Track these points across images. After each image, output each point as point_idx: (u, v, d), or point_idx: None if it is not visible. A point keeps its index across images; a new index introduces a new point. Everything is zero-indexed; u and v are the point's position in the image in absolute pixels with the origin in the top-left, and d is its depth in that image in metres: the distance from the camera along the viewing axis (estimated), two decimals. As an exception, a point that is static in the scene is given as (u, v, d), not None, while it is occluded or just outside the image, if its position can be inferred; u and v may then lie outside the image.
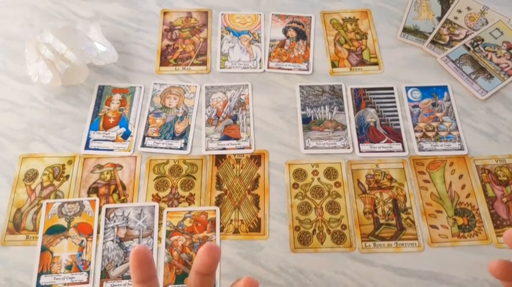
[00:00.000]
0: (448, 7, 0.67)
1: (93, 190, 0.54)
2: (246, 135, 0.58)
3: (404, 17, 0.67)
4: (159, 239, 0.51)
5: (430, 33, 0.65)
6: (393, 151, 0.57)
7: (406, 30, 0.66)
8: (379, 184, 0.54)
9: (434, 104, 0.60)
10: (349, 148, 0.57)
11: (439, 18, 0.66)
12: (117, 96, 0.61)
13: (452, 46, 0.64)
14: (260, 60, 0.64)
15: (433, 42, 0.64)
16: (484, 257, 0.50)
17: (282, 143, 0.57)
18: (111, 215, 0.52)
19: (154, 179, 0.55)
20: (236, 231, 0.52)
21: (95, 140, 0.58)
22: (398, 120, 0.59)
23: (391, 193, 0.54)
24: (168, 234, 0.52)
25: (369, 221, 0.52)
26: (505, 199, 0.53)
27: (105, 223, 0.52)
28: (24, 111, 0.60)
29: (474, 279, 0.49)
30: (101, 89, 0.62)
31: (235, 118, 0.59)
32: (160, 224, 0.52)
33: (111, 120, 0.59)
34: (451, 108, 0.59)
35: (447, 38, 0.65)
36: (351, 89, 0.61)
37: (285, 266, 0.50)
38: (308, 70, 0.63)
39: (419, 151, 0.56)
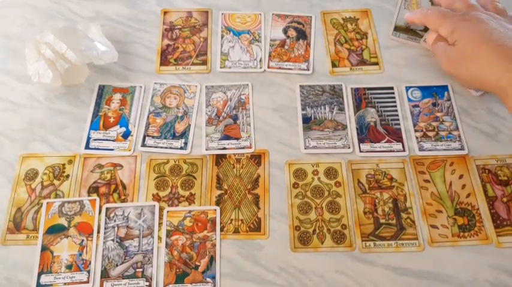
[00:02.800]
0: (438, 4, 0.67)
1: (94, 189, 0.54)
2: (246, 135, 0.58)
3: (395, 15, 0.67)
4: (159, 238, 0.51)
5: (421, 31, 0.65)
6: (393, 151, 0.57)
7: (397, 28, 0.66)
8: (380, 183, 0.54)
9: (434, 104, 0.60)
10: (349, 148, 0.57)
11: None
12: (117, 96, 0.61)
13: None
14: (260, 60, 0.64)
15: None
16: (484, 257, 0.50)
17: (282, 143, 0.57)
18: (112, 215, 0.53)
19: (155, 179, 0.55)
20: (236, 231, 0.52)
21: (95, 139, 0.58)
22: (398, 120, 0.59)
23: (391, 192, 0.54)
24: (168, 234, 0.52)
25: (369, 221, 0.52)
26: (505, 199, 0.53)
27: (106, 223, 0.52)
28: (24, 111, 0.60)
29: (474, 279, 0.49)
30: (101, 88, 0.62)
31: (235, 118, 0.59)
32: (160, 224, 0.52)
33: (112, 119, 0.59)
34: (451, 108, 0.59)
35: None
36: (351, 88, 0.61)
37: (285, 266, 0.50)
38: (308, 70, 0.63)
39: (419, 150, 0.56)
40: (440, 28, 0.56)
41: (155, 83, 0.62)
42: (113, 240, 0.51)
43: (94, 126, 0.59)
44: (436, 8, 0.58)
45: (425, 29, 0.65)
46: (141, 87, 0.62)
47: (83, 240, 0.51)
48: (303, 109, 0.60)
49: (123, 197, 0.54)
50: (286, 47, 0.65)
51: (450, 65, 0.55)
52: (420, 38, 0.64)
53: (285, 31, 0.67)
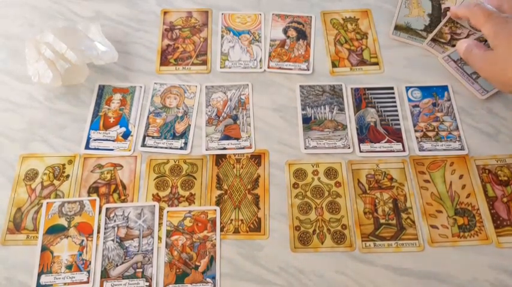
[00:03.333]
0: (437, 3, 0.67)
1: (94, 189, 0.54)
2: (246, 135, 0.58)
3: (395, 14, 0.67)
4: (159, 238, 0.51)
5: (421, 30, 0.65)
6: (393, 151, 0.57)
7: (397, 27, 0.66)
8: (380, 183, 0.54)
9: (434, 104, 0.60)
10: (349, 148, 0.57)
11: (430, 15, 0.66)
12: (117, 96, 0.61)
13: (453, 45, 0.63)
14: (260, 60, 0.64)
15: (433, 40, 0.64)
16: (484, 257, 0.50)
17: (282, 143, 0.57)
18: (112, 215, 0.53)
19: (155, 179, 0.55)
20: (236, 231, 0.52)
21: (95, 139, 0.58)
22: (398, 120, 0.59)
23: (391, 192, 0.54)
24: (168, 234, 0.52)
25: (369, 221, 0.52)
26: (505, 199, 0.53)
27: (106, 223, 0.52)
28: (24, 111, 0.60)
29: (474, 279, 0.49)
30: (101, 88, 0.62)
31: (235, 118, 0.59)
32: (160, 224, 0.52)
33: (112, 120, 0.59)
34: (451, 108, 0.59)
35: (448, 36, 0.65)
36: (351, 88, 0.61)
37: (285, 266, 0.50)
38: (308, 70, 0.63)
39: (419, 150, 0.56)
40: (483, 27, 0.55)
41: (155, 83, 0.62)
42: (113, 240, 0.51)
43: (94, 126, 0.59)
44: (483, 5, 0.57)
45: (425, 29, 0.65)
46: (141, 87, 0.62)
47: (83, 240, 0.51)
48: (303, 109, 0.60)
49: (123, 197, 0.54)
50: (286, 47, 0.65)
51: (488, 70, 0.54)
52: (420, 38, 0.64)
53: (285, 31, 0.66)
